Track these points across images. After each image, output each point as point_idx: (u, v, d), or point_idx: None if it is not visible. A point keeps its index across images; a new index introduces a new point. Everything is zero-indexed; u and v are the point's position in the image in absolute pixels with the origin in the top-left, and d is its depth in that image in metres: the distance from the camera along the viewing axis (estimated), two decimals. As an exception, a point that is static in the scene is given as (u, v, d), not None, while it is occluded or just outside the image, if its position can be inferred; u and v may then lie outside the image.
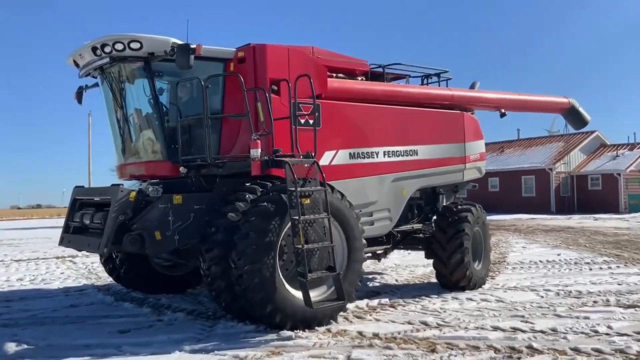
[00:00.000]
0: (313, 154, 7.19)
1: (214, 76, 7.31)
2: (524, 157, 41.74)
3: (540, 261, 12.98)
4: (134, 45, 7.19)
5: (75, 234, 8.07)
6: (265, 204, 6.72)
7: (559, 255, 14.20)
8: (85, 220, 7.69)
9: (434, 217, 10.21)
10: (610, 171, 38.40)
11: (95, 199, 8.00)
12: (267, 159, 7.10)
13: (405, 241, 10.16)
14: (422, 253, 12.15)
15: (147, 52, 7.27)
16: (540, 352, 5.71)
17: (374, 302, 8.39)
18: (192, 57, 6.81)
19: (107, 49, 7.32)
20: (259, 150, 6.95)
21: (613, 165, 38.91)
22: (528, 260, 13.27)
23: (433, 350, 5.83)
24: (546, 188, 39.11)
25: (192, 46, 6.86)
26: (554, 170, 38.95)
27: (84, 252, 16.50)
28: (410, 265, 12.57)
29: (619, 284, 9.66)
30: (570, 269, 11.67)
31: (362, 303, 8.24)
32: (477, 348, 5.91)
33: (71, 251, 17.71)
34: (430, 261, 11.64)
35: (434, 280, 10.44)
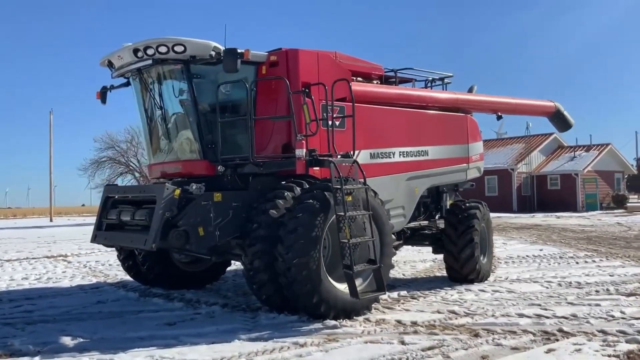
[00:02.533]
0: (352, 154, 7.61)
1: (262, 79, 7.64)
2: (487, 158, 42.59)
3: (527, 256, 13.75)
4: (178, 48, 7.45)
5: (109, 231, 8.25)
6: (310, 201, 7.09)
7: (541, 250, 15.04)
8: (124, 217, 7.88)
9: (438, 214, 10.79)
10: (569, 171, 40.19)
11: (130, 196, 8.20)
12: (311, 158, 7.48)
13: (413, 237, 10.67)
14: (413, 249, 12.93)
15: (189, 55, 7.54)
16: (573, 335, 6.29)
17: (394, 294, 8.85)
18: (239, 61, 7.14)
19: (150, 52, 7.54)
20: (304, 150, 7.33)
21: (571, 165, 40.73)
22: (515, 255, 14.02)
23: (476, 335, 6.33)
24: (508, 188, 40.62)
25: (240, 51, 7.17)
26: (516, 170, 40.51)
27: (76, 252, 16.62)
28: (409, 261, 13.11)
29: (610, 275, 10.42)
30: (559, 263, 12.44)
31: (384, 295, 8.68)
32: (514, 332, 6.45)
33: (60, 250, 17.68)
34: (428, 256, 12.32)
35: (438, 274, 11.04)
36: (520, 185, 40.93)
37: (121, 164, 35.14)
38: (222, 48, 7.58)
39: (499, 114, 12.08)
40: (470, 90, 11.95)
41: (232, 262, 10.48)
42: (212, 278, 10.19)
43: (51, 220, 44.32)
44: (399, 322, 7.06)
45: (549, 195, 40.83)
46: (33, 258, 15.62)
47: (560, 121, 13.52)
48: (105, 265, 13.58)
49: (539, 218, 31.26)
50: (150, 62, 7.64)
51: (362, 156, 8.84)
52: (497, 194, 41.02)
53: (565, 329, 6.52)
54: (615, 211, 38.11)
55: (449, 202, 11.04)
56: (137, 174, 35.36)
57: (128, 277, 10.70)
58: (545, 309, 7.58)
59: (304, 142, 7.35)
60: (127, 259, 9.72)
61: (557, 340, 6.11)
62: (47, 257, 15.88)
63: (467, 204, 10.25)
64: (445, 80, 11.22)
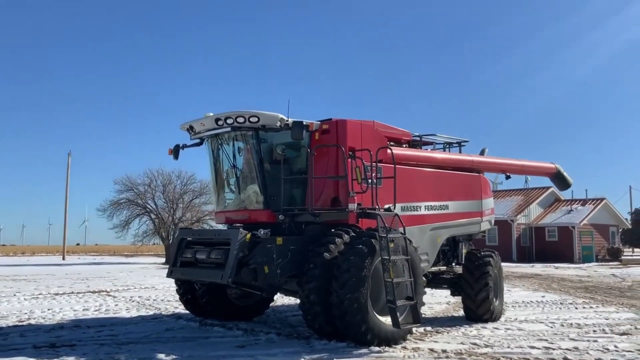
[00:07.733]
0: (392, 208, 9.23)
1: (321, 146, 9.31)
2: (487, 208, 44.73)
3: (531, 301, 15.19)
4: (253, 119, 9.14)
5: (184, 267, 9.76)
6: (360, 246, 8.65)
7: (543, 297, 16.47)
8: (199, 255, 9.41)
9: (455, 261, 12.32)
10: (566, 224, 41.84)
11: (202, 238, 9.76)
12: (361, 210, 9.08)
13: (434, 281, 12.17)
14: (427, 292, 14.30)
15: (260, 124, 9.22)
16: (575, 361, 7.77)
17: (421, 329, 10.29)
18: (304, 131, 8.83)
19: (229, 121, 9.23)
20: (355, 204, 8.94)
21: (568, 218, 42.41)
22: (520, 300, 15.46)
23: (498, 360, 7.82)
24: (508, 238, 42.14)
25: (306, 123, 8.88)
26: (515, 221, 42.12)
27: (113, 288, 17.98)
28: (426, 302, 14.51)
29: (605, 319, 11.88)
30: (560, 308, 13.88)
31: (414, 329, 10.12)
32: (528, 359, 7.93)
33: (97, 286, 19.04)
34: (442, 299, 13.74)
35: (455, 314, 12.48)
36: (519, 236, 42.49)
37: (139, 205, 36.65)
38: (286, 119, 9.28)
39: (508, 174, 13.80)
40: (482, 153, 13.67)
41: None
42: (259, 312, 11.63)
43: (64, 259, 45.50)
44: (431, 350, 8.52)
45: (547, 246, 42.36)
46: (78, 292, 17.00)
47: (560, 181, 15.21)
48: (150, 299, 14.96)
49: (538, 268, 32.67)
50: (229, 129, 9.32)
51: (395, 209, 10.44)
52: (498, 243, 42.43)
53: (569, 357, 7.99)
54: (611, 263, 39.53)
55: (464, 251, 12.57)
56: (152, 216, 36.78)
57: (179, 310, 12.17)
58: (552, 343, 9.04)
59: (355, 197, 8.96)
60: (186, 293, 11.16)
61: (563, 365, 7.58)
62: (91, 292, 17.25)
63: (482, 253, 11.79)
64: (462, 144, 12.95)
